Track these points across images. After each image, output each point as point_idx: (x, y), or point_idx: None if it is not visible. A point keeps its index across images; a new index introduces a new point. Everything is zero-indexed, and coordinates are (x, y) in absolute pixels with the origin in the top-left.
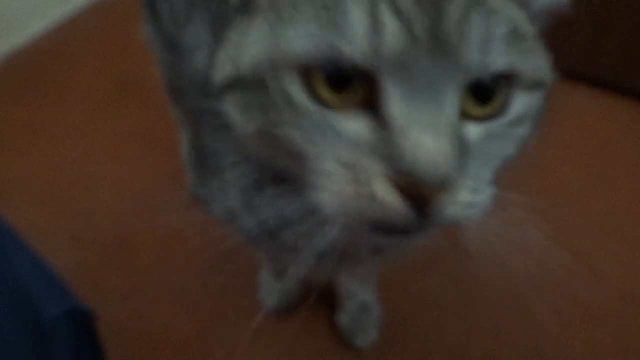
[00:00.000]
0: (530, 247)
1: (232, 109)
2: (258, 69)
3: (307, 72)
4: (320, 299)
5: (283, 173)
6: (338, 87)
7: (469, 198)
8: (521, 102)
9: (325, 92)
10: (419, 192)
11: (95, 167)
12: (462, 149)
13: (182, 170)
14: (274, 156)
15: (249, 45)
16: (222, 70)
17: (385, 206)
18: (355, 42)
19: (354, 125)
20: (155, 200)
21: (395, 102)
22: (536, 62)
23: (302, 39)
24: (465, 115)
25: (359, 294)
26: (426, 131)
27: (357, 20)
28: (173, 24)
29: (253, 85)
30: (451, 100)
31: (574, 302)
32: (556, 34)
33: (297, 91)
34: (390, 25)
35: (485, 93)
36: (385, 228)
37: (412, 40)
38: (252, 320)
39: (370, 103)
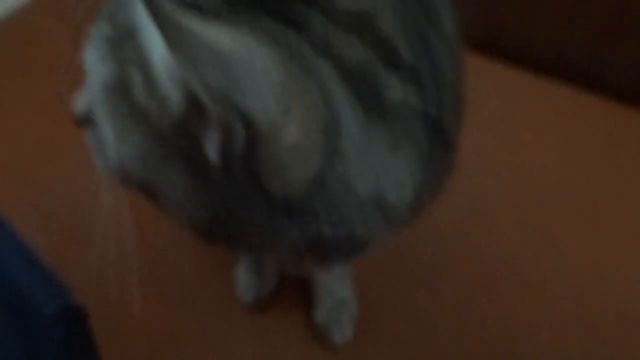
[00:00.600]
0: (499, 225)
1: None
2: None
3: None
4: (297, 294)
5: None
6: None
7: None
8: None
9: None
10: None
11: (61, 142)
12: None
13: None
14: None
15: None
16: None
17: None
18: None
19: None
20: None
21: None
22: None
23: None
24: None
25: (335, 289)
26: None
27: None
28: None
29: None
30: None
31: (541, 278)
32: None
33: None
34: None
35: None
36: None
37: None
38: (228, 312)
39: None
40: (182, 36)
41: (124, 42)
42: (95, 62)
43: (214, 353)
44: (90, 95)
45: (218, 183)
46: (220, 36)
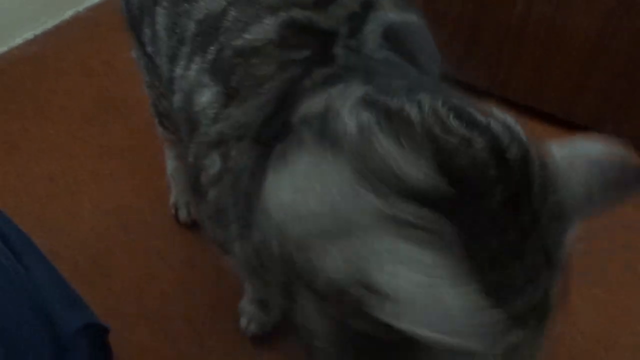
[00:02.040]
0: None
1: None
2: None
3: None
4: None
5: None
6: None
7: None
8: None
9: None
10: None
11: (74, 183)
12: None
13: (165, 191)
14: None
15: None
16: None
17: None
18: None
19: None
20: (134, 220)
21: None
22: None
23: None
24: None
25: None
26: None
27: None
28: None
29: None
30: None
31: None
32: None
33: None
34: None
35: None
36: None
37: None
38: (233, 346)
39: None
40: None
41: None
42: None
43: None
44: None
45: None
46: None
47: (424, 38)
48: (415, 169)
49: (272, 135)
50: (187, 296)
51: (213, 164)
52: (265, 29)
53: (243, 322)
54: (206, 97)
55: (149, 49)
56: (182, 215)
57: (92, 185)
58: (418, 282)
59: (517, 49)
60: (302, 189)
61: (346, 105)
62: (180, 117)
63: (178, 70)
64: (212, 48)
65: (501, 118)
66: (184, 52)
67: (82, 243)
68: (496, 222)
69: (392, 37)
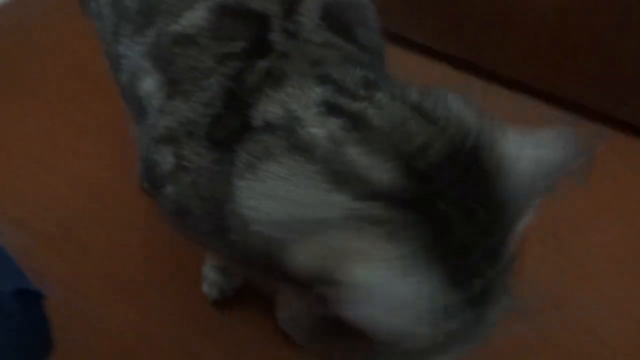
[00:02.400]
0: None
1: None
2: None
3: None
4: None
5: None
6: None
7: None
8: None
9: None
10: None
11: (52, 158)
12: None
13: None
14: None
15: None
16: None
17: None
18: None
19: None
20: (104, 190)
21: None
22: None
23: None
24: None
25: None
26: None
27: None
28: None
29: None
30: None
31: None
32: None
33: None
34: None
35: None
36: None
37: None
38: (196, 311)
39: None
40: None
41: None
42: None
43: (181, 351)
44: None
45: None
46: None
47: (361, 9)
48: (383, 174)
49: (226, 137)
50: (153, 263)
51: (165, 160)
52: (196, 15)
53: (205, 287)
54: (148, 84)
55: (97, 24)
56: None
57: (68, 161)
58: (379, 275)
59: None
60: (276, 197)
61: (309, 113)
62: (129, 98)
63: (121, 49)
64: (150, 31)
65: (456, 107)
66: (125, 30)
67: (50, 212)
68: (457, 214)
69: (329, 15)
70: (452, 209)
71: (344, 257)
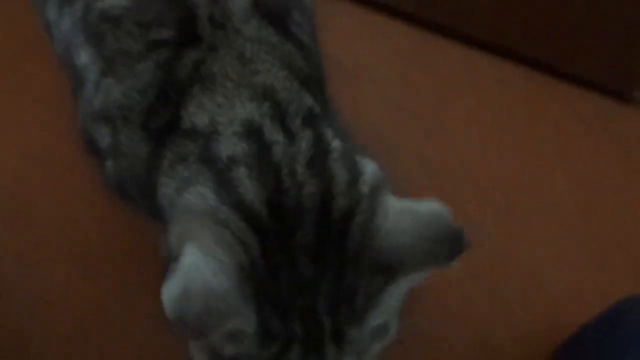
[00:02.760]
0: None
1: None
2: None
3: None
4: None
5: None
6: None
7: None
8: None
9: None
10: None
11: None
12: None
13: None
14: None
15: None
16: None
17: None
18: None
19: None
20: (57, 163)
21: None
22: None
23: None
24: None
25: None
26: None
27: None
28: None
29: None
30: None
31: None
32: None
33: None
34: None
35: None
36: None
37: None
38: (153, 283)
39: None
40: None
41: None
42: None
43: (141, 324)
44: None
45: None
46: None
47: None
48: (251, 196)
49: (159, 129)
50: (108, 236)
51: (103, 138)
52: None
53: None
54: (84, 57)
55: None
56: None
57: (13, 131)
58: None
59: None
60: (177, 195)
61: (229, 130)
62: (66, 66)
63: (50, 15)
64: (79, 3)
65: (356, 170)
66: None
67: (2, 185)
68: (297, 262)
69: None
70: (290, 255)
71: (188, 239)
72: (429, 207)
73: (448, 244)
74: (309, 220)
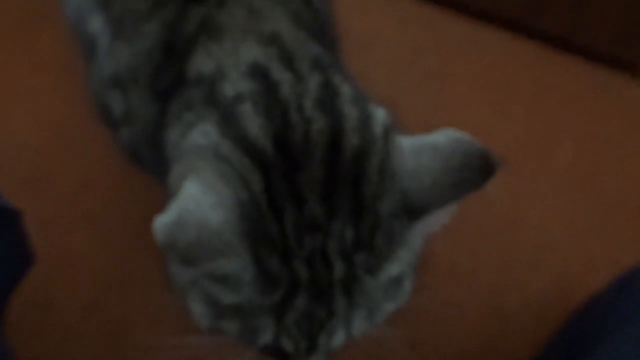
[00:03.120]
0: None
1: None
2: None
3: None
4: None
5: None
6: None
7: (361, 323)
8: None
9: None
10: None
11: (7, 96)
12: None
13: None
14: None
15: None
16: None
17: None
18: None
19: None
20: (70, 130)
21: None
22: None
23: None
24: None
25: None
26: None
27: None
28: None
29: None
30: None
31: (464, 221)
32: None
33: None
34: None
35: None
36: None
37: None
38: None
39: None
40: None
41: None
42: None
43: (160, 290)
44: None
45: None
46: None
47: None
48: (256, 130)
49: (166, 88)
50: (123, 200)
51: (116, 104)
52: None
53: None
54: (95, 24)
55: None
56: None
57: (26, 98)
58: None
59: None
60: (182, 138)
61: (235, 71)
62: (78, 33)
63: None
64: None
65: (366, 111)
66: None
67: (19, 154)
68: (305, 201)
69: None
70: (297, 192)
71: (189, 173)
72: (446, 136)
73: (478, 168)
74: (319, 156)
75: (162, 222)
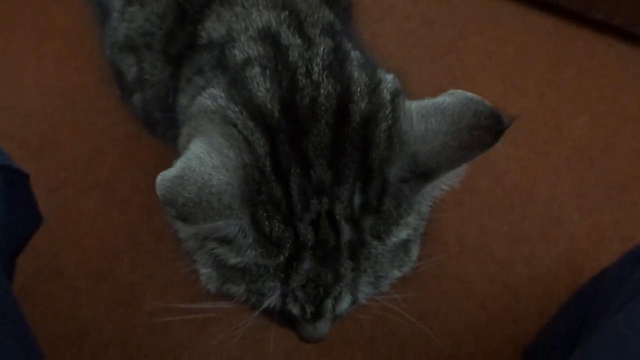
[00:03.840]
0: None
1: None
2: None
3: None
4: None
5: None
6: None
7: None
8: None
9: None
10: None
11: (16, 63)
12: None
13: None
14: None
15: None
16: None
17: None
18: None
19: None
20: (80, 98)
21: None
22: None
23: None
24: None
25: None
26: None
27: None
28: None
29: None
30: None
31: (473, 194)
32: None
33: None
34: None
35: None
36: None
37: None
38: None
39: None
40: None
41: None
42: None
43: (168, 253)
44: None
45: None
46: None
47: None
48: (263, 94)
49: (178, 52)
50: (133, 167)
51: (129, 70)
52: None
53: None
54: None
55: None
56: None
57: (35, 66)
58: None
59: None
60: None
61: (244, 35)
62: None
63: None
64: None
65: (375, 77)
66: None
67: (29, 121)
68: (311, 164)
69: None
70: (303, 156)
71: (196, 135)
72: (454, 97)
73: (488, 126)
74: (326, 120)
75: (165, 176)
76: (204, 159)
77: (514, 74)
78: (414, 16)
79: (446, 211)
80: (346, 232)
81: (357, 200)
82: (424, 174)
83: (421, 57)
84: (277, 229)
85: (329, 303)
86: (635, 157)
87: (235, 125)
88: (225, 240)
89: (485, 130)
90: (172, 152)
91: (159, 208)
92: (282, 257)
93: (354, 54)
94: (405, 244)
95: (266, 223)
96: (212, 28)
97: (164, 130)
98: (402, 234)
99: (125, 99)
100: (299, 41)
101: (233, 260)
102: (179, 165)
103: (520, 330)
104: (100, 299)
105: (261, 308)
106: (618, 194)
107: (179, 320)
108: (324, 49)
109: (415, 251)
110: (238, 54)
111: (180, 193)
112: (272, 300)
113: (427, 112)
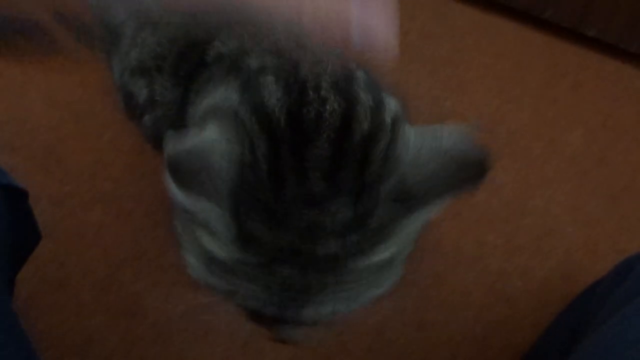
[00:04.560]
0: None
1: None
2: None
3: None
4: None
5: None
6: None
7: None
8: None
9: None
10: None
11: (23, 78)
12: None
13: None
14: None
15: None
16: None
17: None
18: None
19: None
20: (84, 111)
21: None
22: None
23: None
24: None
25: None
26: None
27: None
28: None
29: None
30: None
31: (470, 206)
32: None
33: None
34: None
35: None
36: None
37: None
38: None
39: None
40: None
41: None
42: None
43: (173, 263)
44: None
45: None
46: None
47: None
48: (273, 101)
49: (188, 72)
50: (137, 179)
51: (140, 92)
52: None
53: None
54: (120, 15)
55: None
56: None
57: (40, 79)
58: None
59: None
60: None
61: (258, 47)
62: (102, 23)
63: None
64: None
65: (379, 100)
66: None
67: (35, 134)
68: (307, 176)
69: None
70: (301, 166)
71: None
72: (450, 132)
73: (473, 169)
74: (327, 135)
75: (177, 146)
76: (215, 143)
77: (510, 87)
78: (412, 30)
79: (444, 222)
80: (331, 246)
81: (345, 215)
82: (405, 200)
83: (419, 70)
84: (258, 231)
85: (308, 312)
86: (629, 169)
87: (244, 125)
88: (204, 225)
89: (470, 174)
90: None
91: (162, 218)
92: (261, 258)
93: (359, 73)
94: (389, 263)
95: (248, 222)
96: (223, 44)
97: None
98: (385, 253)
99: (136, 120)
100: (309, 56)
101: (216, 252)
102: (193, 140)
103: (516, 341)
104: (105, 309)
105: (240, 306)
106: (612, 206)
107: (181, 329)
108: (331, 67)
109: (398, 272)
110: (253, 62)
111: (186, 164)
112: (251, 300)
113: (423, 140)
